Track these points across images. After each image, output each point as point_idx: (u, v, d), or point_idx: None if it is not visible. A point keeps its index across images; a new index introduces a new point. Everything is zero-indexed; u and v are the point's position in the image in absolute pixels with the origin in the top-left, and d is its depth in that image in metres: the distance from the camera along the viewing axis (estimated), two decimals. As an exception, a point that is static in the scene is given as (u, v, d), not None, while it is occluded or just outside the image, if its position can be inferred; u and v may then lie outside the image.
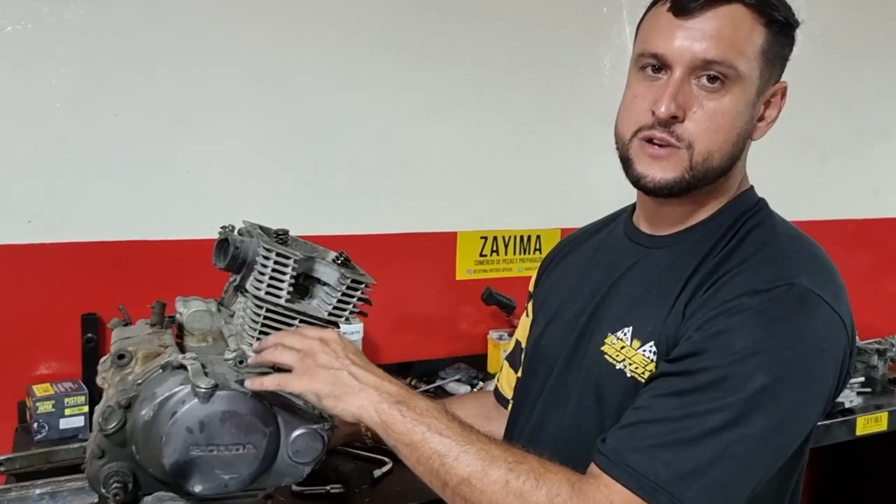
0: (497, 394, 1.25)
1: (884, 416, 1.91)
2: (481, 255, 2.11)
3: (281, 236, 1.07)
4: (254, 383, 0.92)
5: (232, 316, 1.12)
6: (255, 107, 1.80)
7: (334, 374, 0.90)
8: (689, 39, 0.86)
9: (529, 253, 2.16)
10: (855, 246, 2.76)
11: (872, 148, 2.78)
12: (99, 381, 1.04)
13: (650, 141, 0.90)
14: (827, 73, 2.63)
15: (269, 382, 0.91)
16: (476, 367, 2.04)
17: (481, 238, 2.11)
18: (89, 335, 1.63)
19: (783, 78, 0.95)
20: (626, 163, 0.94)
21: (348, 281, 1.05)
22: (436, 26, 2.01)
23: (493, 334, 2.08)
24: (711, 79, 0.86)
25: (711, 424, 0.77)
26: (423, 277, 2.07)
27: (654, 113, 0.88)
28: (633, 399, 0.86)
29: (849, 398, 1.87)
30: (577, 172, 2.19)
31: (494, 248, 2.13)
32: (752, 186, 1.01)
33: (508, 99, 2.09)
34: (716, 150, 0.88)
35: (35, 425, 1.53)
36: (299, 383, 0.90)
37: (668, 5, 0.88)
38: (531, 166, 2.13)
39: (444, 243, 2.07)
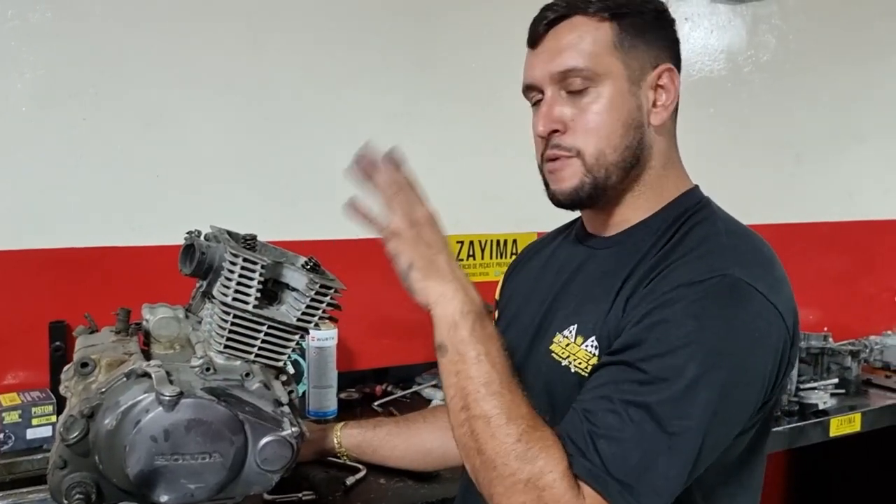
0: None
1: (857, 417, 1.92)
2: (458, 259, 2.10)
3: (249, 241, 1.05)
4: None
5: (200, 322, 1.11)
6: (227, 110, 1.78)
7: (433, 255, 0.90)
8: (544, 61, 0.94)
9: (506, 257, 2.16)
10: (829, 248, 2.79)
11: (845, 151, 2.81)
12: (62, 389, 1.02)
13: (551, 159, 0.96)
14: (799, 76, 2.65)
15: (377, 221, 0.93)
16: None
17: (458, 242, 2.10)
18: (57, 343, 1.60)
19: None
20: (546, 185, 1.00)
21: (317, 286, 1.04)
22: (410, 29, 2.00)
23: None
24: (574, 85, 0.92)
25: (650, 415, 0.79)
26: (399, 282, 2.05)
27: (539, 136, 0.96)
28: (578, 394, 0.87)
29: (822, 399, 1.89)
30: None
31: (471, 253, 2.13)
32: (695, 186, 1.02)
33: (485, 102, 2.09)
34: (605, 146, 0.92)
35: (1, 436, 1.49)
36: (400, 245, 0.91)
37: (528, 43, 0.99)
38: (508, 170, 2.12)
39: (420, 248, 2.06)
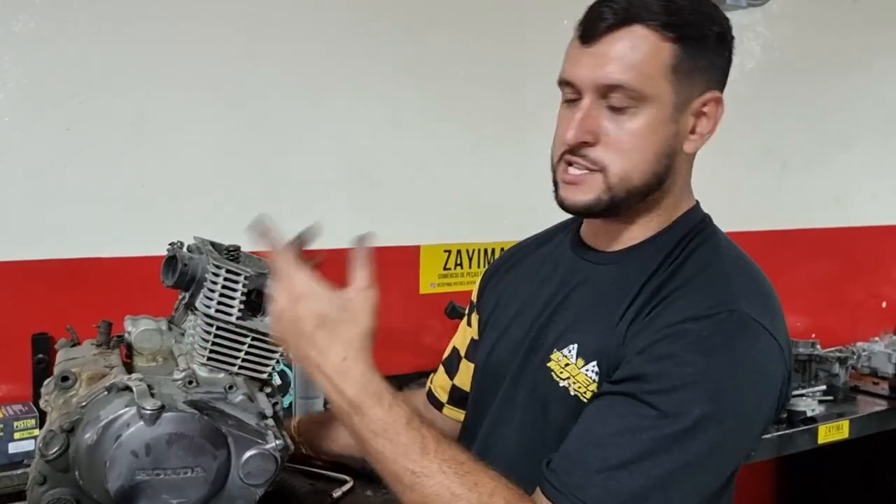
0: (430, 395, 1.26)
1: (845, 425, 1.93)
2: (445, 268, 2.10)
3: (232, 252, 1.04)
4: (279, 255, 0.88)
5: (183, 335, 1.09)
6: (212, 120, 1.77)
7: (308, 352, 0.83)
8: (591, 66, 0.87)
9: (494, 265, 2.16)
10: (816, 255, 2.80)
11: (832, 157, 2.83)
12: (42, 404, 1.00)
13: (571, 164, 0.91)
14: (785, 84, 2.67)
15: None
16: (441, 382, 2.02)
17: (445, 251, 2.10)
18: (40, 356, 1.58)
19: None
20: (555, 186, 0.95)
21: None
22: (397, 38, 2.00)
23: (458, 348, 2.06)
24: (617, 102, 0.87)
25: (652, 450, 0.77)
26: (387, 292, 2.02)
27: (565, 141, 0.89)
28: (575, 417, 0.85)
29: (811, 407, 1.89)
30: (541, 185, 2.18)
31: (458, 262, 2.12)
32: (696, 203, 1.01)
33: (471, 111, 2.08)
34: (632, 169, 0.88)
35: (-18, 450, 1.47)
36: (284, 333, 0.85)
37: (578, 33, 0.90)
38: (494, 179, 2.13)
39: (408, 257, 2.05)
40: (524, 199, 2.20)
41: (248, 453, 0.95)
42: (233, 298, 0.99)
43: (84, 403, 0.93)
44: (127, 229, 1.70)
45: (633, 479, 0.77)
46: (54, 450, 0.90)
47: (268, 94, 1.84)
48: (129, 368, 1.04)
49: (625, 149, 0.87)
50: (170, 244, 1.03)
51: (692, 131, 0.90)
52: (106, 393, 0.93)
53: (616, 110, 0.86)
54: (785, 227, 2.73)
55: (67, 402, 0.96)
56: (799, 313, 2.74)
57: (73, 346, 1.14)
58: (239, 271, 0.99)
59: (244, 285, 0.99)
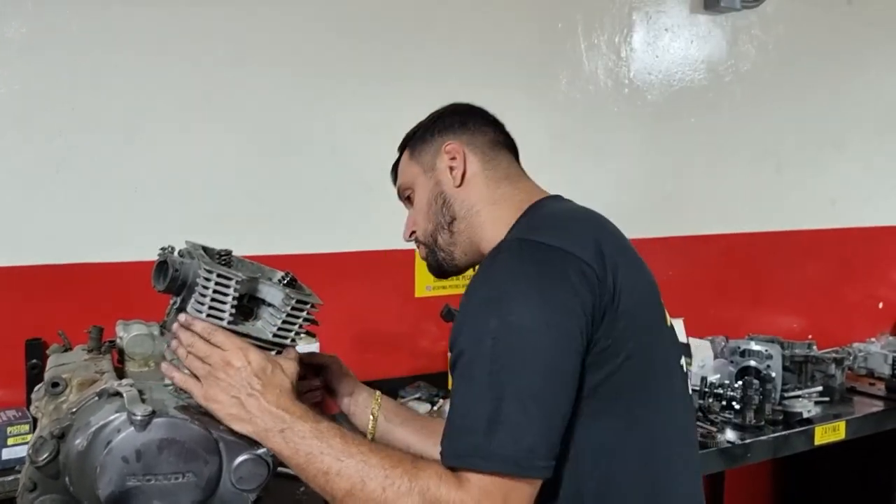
0: None
1: (842, 425, 1.92)
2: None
3: (223, 257, 1.04)
4: (168, 370, 0.98)
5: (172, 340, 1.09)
6: (206, 124, 1.77)
7: (230, 397, 0.94)
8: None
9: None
10: (812, 256, 2.80)
11: (827, 159, 2.83)
12: (33, 410, 1.00)
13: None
14: (780, 86, 2.67)
15: (179, 378, 0.97)
16: (436, 385, 2.02)
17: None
18: (34, 361, 1.58)
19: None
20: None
21: (293, 301, 1.02)
22: (390, 42, 2.00)
23: (453, 352, 2.06)
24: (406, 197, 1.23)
25: (481, 389, 0.89)
26: (382, 295, 2.04)
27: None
28: None
29: (807, 408, 1.88)
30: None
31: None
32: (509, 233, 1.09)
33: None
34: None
35: (-25, 456, 1.47)
36: (200, 393, 0.95)
37: None
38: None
39: (403, 261, 2.05)
40: None
41: (240, 458, 0.95)
42: (224, 303, 0.98)
43: (74, 409, 0.93)
44: (118, 235, 1.70)
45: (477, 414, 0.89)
46: (44, 456, 0.89)
47: (259, 98, 1.84)
48: (121, 374, 1.04)
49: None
50: (161, 249, 1.02)
51: (450, 171, 1.16)
52: (96, 398, 0.93)
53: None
54: (781, 229, 2.73)
55: (58, 408, 0.96)
56: (795, 314, 2.74)
57: (65, 351, 1.14)
58: (230, 275, 0.98)
59: (235, 289, 0.98)
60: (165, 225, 1.68)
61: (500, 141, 1.21)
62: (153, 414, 0.90)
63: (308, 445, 0.92)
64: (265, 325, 1.03)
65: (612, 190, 2.33)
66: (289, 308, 1.03)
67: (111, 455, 0.88)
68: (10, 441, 1.49)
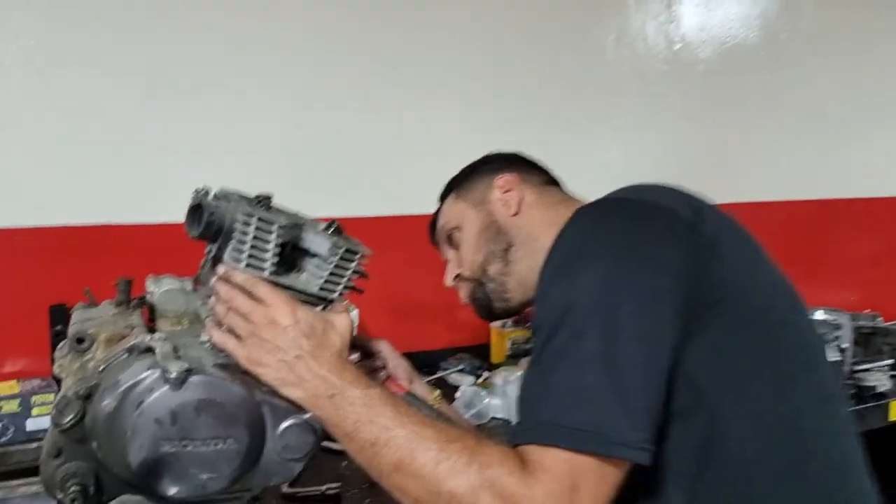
0: None
1: (918, 400, 1.79)
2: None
3: (263, 201, 0.93)
4: (209, 327, 0.88)
5: (210, 296, 0.99)
6: (238, 78, 1.67)
7: (277, 360, 0.84)
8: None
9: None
10: (865, 227, 2.65)
11: (882, 126, 2.67)
12: (56, 369, 0.90)
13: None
14: (840, 44, 2.51)
15: (218, 337, 0.86)
16: (479, 357, 1.91)
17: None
18: (59, 327, 1.48)
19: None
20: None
21: (341, 250, 0.92)
22: (431, 3, 1.88)
23: (496, 322, 1.95)
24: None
25: (557, 358, 0.77)
26: (422, 262, 1.93)
27: None
28: None
29: (881, 381, 1.75)
30: (580, 149, 2.06)
31: (497, 230, 2.00)
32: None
33: (505, 75, 1.97)
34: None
35: (-1, 427, 1.39)
36: (243, 355, 0.84)
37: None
38: (532, 143, 2.00)
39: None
40: (564, 163, 2.07)
41: (286, 424, 0.85)
42: (265, 251, 0.88)
43: (102, 367, 0.83)
44: (147, 194, 1.60)
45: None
46: (69, 418, 0.79)
47: (295, 51, 1.73)
48: (152, 332, 0.94)
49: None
50: (195, 191, 0.92)
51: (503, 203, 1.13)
52: (126, 355, 0.83)
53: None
54: (837, 196, 2.58)
55: (83, 367, 0.86)
56: (853, 286, 2.59)
57: (92, 306, 1.05)
58: (272, 220, 0.88)
59: (278, 235, 0.88)
60: (196, 183, 1.57)
61: (551, 181, 1.18)
62: (189, 371, 0.80)
63: (357, 413, 0.81)
64: (310, 277, 0.93)
65: (661, 153, 2.20)
66: (336, 258, 0.92)
67: (143, 417, 0.78)
68: (34, 411, 1.40)
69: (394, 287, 1.86)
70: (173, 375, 0.78)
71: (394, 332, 1.87)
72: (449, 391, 1.75)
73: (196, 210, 0.90)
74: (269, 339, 0.84)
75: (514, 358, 1.89)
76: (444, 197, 1.22)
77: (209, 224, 0.88)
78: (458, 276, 1.17)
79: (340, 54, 1.79)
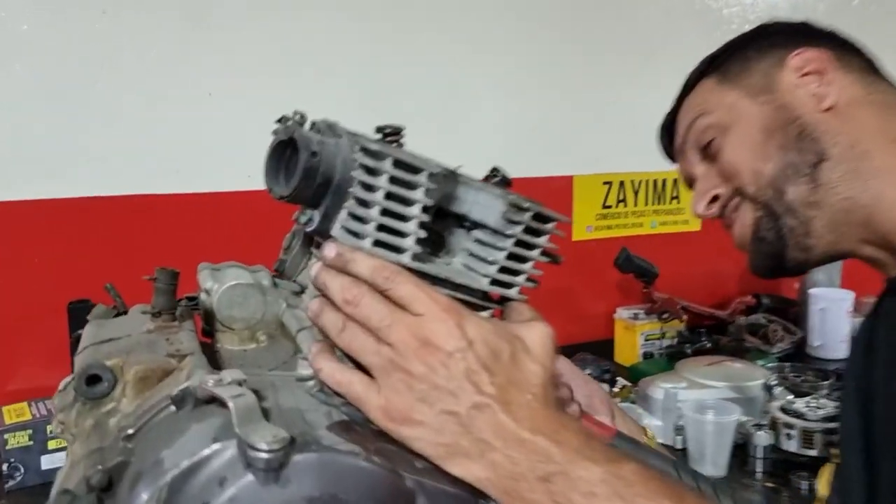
0: None
1: None
2: (605, 206, 1.59)
3: (392, 135, 0.55)
4: (317, 357, 0.50)
5: (301, 293, 0.63)
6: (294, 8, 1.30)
7: (440, 413, 0.48)
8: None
9: (665, 202, 1.64)
10: None
11: None
12: (55, 426, 0.54)
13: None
14: None
15: (331, 371, 0.49)
16: (603, 356, 1.52)
17: (605, 184, 1.59)
18: (80, 332, 1.14)
19: None
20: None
21: (526, 216, 0.55)
22: None
23: (622, 312, 1.57)
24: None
25: None
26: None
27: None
28: None
29: None
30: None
31: (621, 198, 1.61)
32: None
33: (625, 17, 1.57)
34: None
35: (5, 467, 1.05)
36: (378, 404, 0.48)
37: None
38: (660, 93, 1.60)
39: (556, 191, 1.55)
40: None
41: (454, 523, 0.48)
42: (407, 219, 0.51)
43: (132, 430, 0.47)
44: (190, 156, 1.25)
45: None
46: (74, 530, 0.43)
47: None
48: (212, 356, 0.58)
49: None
50: (278, 121, 0.54)
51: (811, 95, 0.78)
52: (173, 409, 0.47)
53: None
54: None
55: (100, 427, 0.50)
56: None
57: (117, 315, 0.69)
58: (420, 166, 0.51)
59: (428, 192, 0.51)
60: (247, 143, 1.22)
61: (874, 68, 0.81)
62: (292, 444, 0.43)
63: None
64: (472, 262, 0.56)
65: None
66: (518, 229, 0.55)
67: (210, 533, 0.42)
68: (50, 444, 1.07)
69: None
70: (264, 456, 0.41)
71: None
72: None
73: (283, 151, 0.53)
74: (424, 375, 0.47)
75: (647, 359, 1.51)
76: (690, 84, 0.86)
77: (309, 173, 0.50)
78: (715, 199, 0.81)
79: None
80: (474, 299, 0.55)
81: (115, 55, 1.17)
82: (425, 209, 0.51)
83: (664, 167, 1.64)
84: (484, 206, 0.55)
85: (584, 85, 1.54)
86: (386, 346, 0.48)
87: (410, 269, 0.51)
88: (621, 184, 1.59)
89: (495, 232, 0.55)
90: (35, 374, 1.16)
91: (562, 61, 1.53)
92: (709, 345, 1.50)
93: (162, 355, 0.52)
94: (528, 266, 0.57)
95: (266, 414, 0.45)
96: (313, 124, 0.55)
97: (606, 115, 1.55)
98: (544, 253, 0.58)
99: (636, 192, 1.60)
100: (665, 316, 1.50)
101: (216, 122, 1.25)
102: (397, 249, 0.51)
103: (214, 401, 0.46)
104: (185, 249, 1.20)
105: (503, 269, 0.56)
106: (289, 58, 1.30)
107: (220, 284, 0.62)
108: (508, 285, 0.56)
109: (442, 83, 1.44)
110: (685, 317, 1.54)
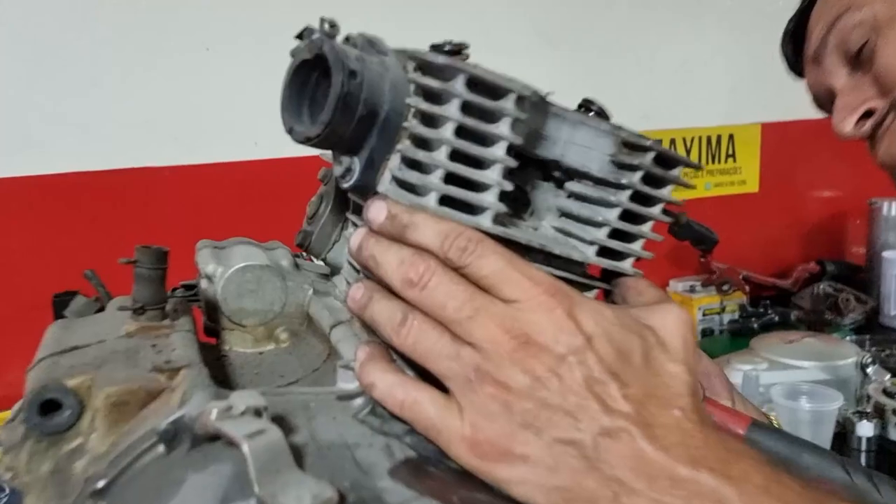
0: None
1: None
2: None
3: (449, 51, 0.39)
4: (362, 367, 0.36)
5: (333, 274, 0.48)
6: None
7: (552, 444, 0.33)
8: None
9: (720, 161, 1.47)
10: None
11: None
12: (1, 471, 0.39)
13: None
14: None
15: (387, 385, 0.35)
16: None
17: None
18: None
19: None
20: None
21: (648, 158, 0.39)
22: None
23: (676, 285, 1.41)
24: None
25: None
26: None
27: None
28: None
29: None
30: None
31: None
32: None
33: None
34: None
35: (-11, 484, 0.91)
36: (462, 434, 0.34)
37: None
38: (711, 40, 1.43)
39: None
40: (756, 65, 1.54)
41: None
42: (486, 164, 0.36)
43: (103, 482, 0.33)
44: (194, 123, 1.11)
45: None
46: None
47: None
48: (217, 363, 0.43)
49: None
50: (299, 35, 0.38)
51: None
52: (162, 450, 0.32)
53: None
54: None
55: (62, 472, 0.36)
56: None
57: (98, 311, 0.55)
58: (502, 83, 0.35)
59: (514, 125, 0.36)
60: (253, 106, 1.07)
61: None
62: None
63: None
64: (569, 226, 0.41)
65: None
66: (635, 178, 0.40)
67: None
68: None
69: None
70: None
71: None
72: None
73: (308, 75, 0.38)
74: (526, 390, 0.33)
75: (707, 336, 1.35)
76: None
77: (347, 101, 0.35)
78: (867, 115, 0.67)
79: None
80: (574, 276, 0.40)
81: (96, 3, 1.02)
82: (510, 150, 0.36)
83: (717, 121, 1.49)
84: (585, 146, 0.40)
85: (628, 35, 1.37)
86: (468, 348, 0.33)
87: (492, 236, 0.36)
88: (672, 141, 1.42)
89: (601, 182, 0.40)
90: (19, 379, 1.03)
91: (605, 10, 1.37)
92: (776, 318, 1.35)
93: (145, 370, 0.37)
94: (646, 228, 0.42)
95: (299, 456, 0.30)
96: (347, 38, 0.39)
97: (655, 67, 1.38)
98: (665, 211, 0.43)
99: (688, 151, 1.44)
100: (725, 288, 1.35)
101: (216, 81, 1.09)
102: (474, 209, 0.36)
103: (218, 438, 0.31)
104: (185, 230, 1.06)
105: (613, 234, 0.40)
106: (298, 3, 1.15)
107: (225, 267, 0.47)
108: (620, 255, 0.41)
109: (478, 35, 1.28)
110: (747, 288, 1.39)
